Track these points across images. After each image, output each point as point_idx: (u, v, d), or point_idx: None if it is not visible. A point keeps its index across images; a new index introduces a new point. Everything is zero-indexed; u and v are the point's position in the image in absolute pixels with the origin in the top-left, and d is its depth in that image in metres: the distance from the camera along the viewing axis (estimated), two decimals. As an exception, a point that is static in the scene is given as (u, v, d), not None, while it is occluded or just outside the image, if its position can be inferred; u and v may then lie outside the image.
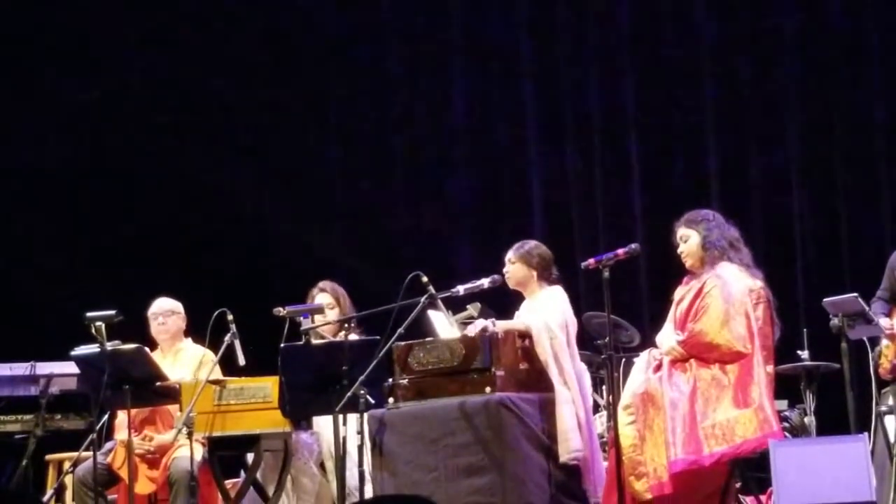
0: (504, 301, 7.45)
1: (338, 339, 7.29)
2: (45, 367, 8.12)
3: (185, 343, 7.69)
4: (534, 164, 10.41)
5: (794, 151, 9.64)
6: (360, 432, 6.61)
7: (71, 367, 7.68)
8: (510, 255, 7.15)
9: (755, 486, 6.76)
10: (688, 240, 6.86)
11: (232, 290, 8.97)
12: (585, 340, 8.03)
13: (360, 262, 10.14)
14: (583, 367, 7.35)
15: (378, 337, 6.65)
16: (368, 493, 6.71)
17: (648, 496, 6.48)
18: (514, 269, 7.11)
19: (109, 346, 6.98)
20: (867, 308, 7.00)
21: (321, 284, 7.79)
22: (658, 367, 6.70)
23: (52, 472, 8.63)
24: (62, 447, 8.43)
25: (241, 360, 7.05)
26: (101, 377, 6.91)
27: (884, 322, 6.96)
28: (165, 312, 7.66)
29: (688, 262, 6.88)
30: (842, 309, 7.07)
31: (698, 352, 6.64)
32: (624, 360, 7.78)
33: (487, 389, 6.69)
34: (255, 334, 7.29)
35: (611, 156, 10.16)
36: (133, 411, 7.14)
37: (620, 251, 6.65)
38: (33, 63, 10.65)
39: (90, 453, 7.26)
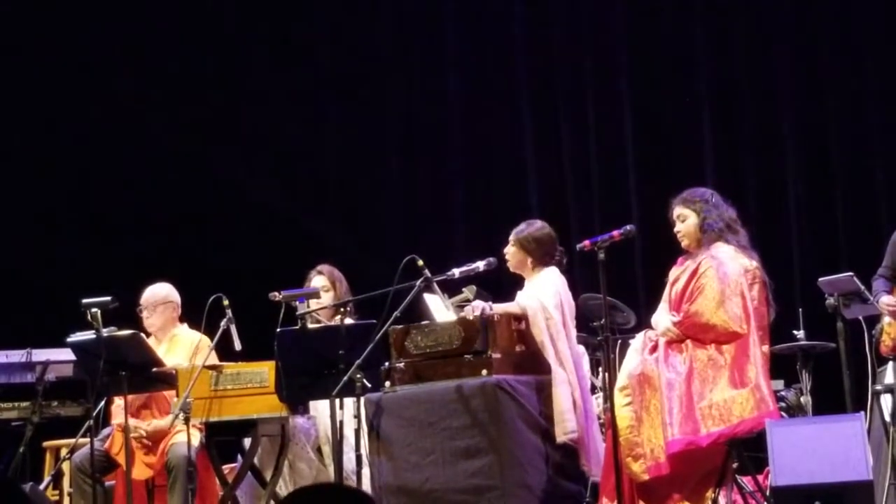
0: (500, 283, 7.44)
1: (334, 323, 7.27)
2: (41, 354, 8.13)
3: (180, 329, 7.67)
4: (529, 147, 10.40)
5: (789, 131, 9.62)
6: (357, 416, 6.62)
7: (67, 354, 7.68)
8: (511, 236, 7.15)
9: (752, 466, 6.77)
10: (685, 220, 6.84)
11: (227, 274, 8.97)
12: (581, 322, 8.02)
13: (356, 246, 10.13)
14: (581, 349, 7.35)
15: (374, 321, 6.65)
16: (366, 476, 6.73)
17: (646, 477, 6.49)
18: (511, 251, 7.11)
19: (105, 332, 6.97)
20: (863, 287, 7.01)
21: (319, 267, 7.79)
22: (654, 349, 6.70)
23: (49, 459, 8.64)
24: (59, 434, 8.44)
25: (238, 345, 7.05)
26: (98, 363, 6.90)
27: (886, 299, 6.96)
28: (151, 306, 7.62)
29: (684, 242, 6.87)
30: (837, 288, 7.08)
31: (694, 333, 6.64)
32: (620, 341, 7.77)
33: (484, 372, 6.69)
34: (252, 319, 7.29)
35: (606, 137, 10.15)
36: (129, 397, 7.14)
37: (615, 232, 6.64)
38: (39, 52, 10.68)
39: (87, 440, 7.26)
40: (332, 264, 7.86)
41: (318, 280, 7.71)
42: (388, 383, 6.89)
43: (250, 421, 7.10)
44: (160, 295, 7.65)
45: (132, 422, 7.20)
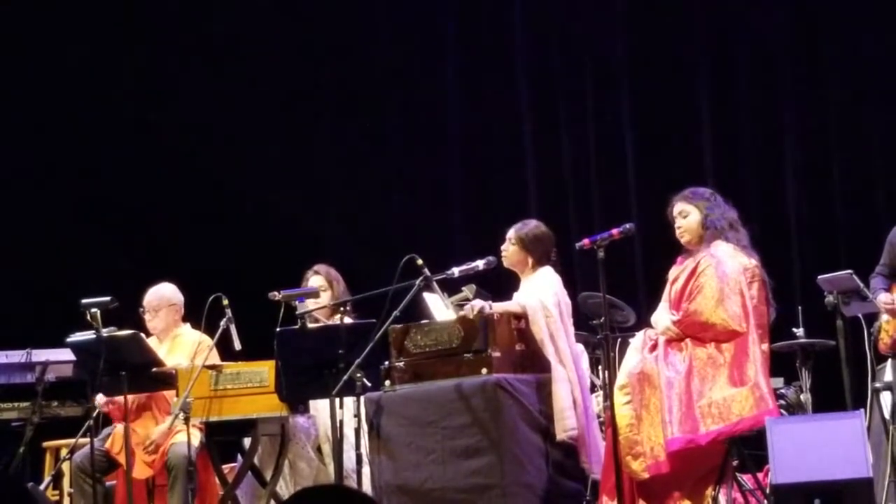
0: (499, 282, 7.44)
1: (333, 322, 7.27)
2: (40, 355, 8.12)
3: (183, 329, 7.67)
4: (528, 144, 10.40)
5: (788, 129, 9.62)
6: (357, 415, 6.62)
7: (67, 354, 7.68)
8: (511, 233, 7.13)
9: (752, 464, 6.78)
10: (687, 216, 6.82)
11: (227, 274, 8.97)
12: (581, 321, 8.03)
13: (356, 245, 10.13)
14: (580, 347, 7.34)
15: (374, 320, 6.65)
16: (366, 475, 6.73)
17: (646, 475, 6.49)
18: (511, 249, 7.11)
19: (105, 332, 6.97)
20: (862, 285, 7.01)
21: (315, 267, 7.79)
22: (654, 347, 6.70)
23: (49, 459, 8.65)
24: (59, 434, 8.44)
25: (237, 345, 7.05)
26: (97, 364, 6.90)
27: (883, 297, 6.96)
28: (153, 308, 7.61)
29: (684, 239, 6.85)
30: (836, 286, 7.08)
31: (693, 331, 6.63)
32: (620, 340, 7.78)
33: (484, 371, 6.69)
34: (251, 319, 7.29)
35: (605, 136, 10.15)
36: (130, 398, 7.14)
37: (615, 231, 6.63)
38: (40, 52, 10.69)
39: (87, 440, 7.26)
40: (330, 264, 7.86)
41: (314, 280, 7.71)
42: (388, 382, 6.89)
43: (250, 420, 7.10)
44: (164, 297, 7.64)
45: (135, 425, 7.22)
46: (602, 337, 6.67)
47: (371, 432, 6.84)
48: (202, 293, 7.11)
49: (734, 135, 9.81)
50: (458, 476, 6.66)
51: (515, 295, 7.05)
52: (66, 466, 7.95)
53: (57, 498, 8.29)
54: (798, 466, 6.15)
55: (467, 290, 6.99)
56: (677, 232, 6.86)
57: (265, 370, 7.01)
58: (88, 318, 6.96)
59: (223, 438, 7.31)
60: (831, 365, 7.54)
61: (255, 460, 7.29)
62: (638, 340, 6.82)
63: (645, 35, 10.09)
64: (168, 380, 7.16)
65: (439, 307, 7.03)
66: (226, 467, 7.41)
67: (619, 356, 7.06)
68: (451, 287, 7.03)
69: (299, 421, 7.35)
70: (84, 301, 7.01)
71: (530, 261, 7.08)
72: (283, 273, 8.05)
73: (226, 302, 7.04)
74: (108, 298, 7.03)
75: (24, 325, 9.30)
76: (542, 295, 6.89)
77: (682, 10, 10.00)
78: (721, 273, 6.63)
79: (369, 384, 6.52)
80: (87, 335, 7.02)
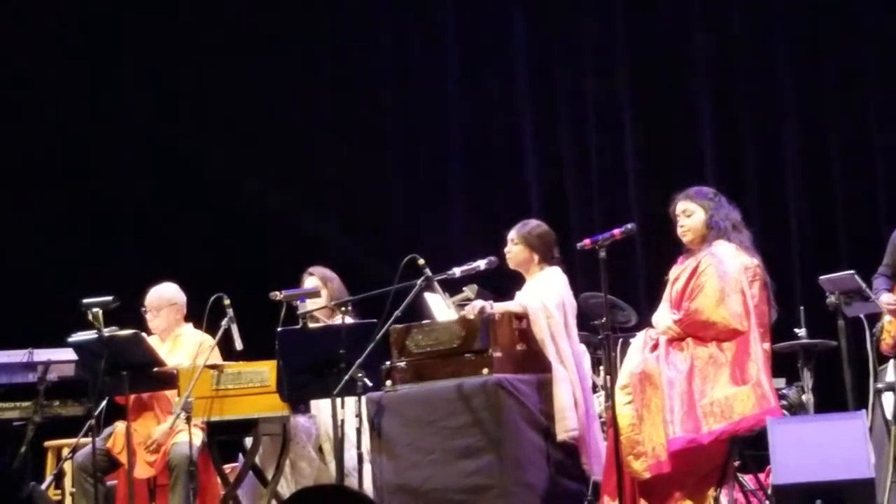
0: (501, 282, 7.44)
1: (335, 322, 7.27)
2: (42, 354, 8.12)
3: (185, 328, 7.68)
4: (529, 144, 10.40)
5: (788, 129, 9.62)
6: (359, 415, 6.62)
7: (68, 354, 7.68)
8: (512, 234, 7.13)
9: (753, 464, 6.78)
10: (692, 215, 6.80)
11: (228, 274, 8.98)
12: (582, 321, 8.01)
13: (357, 246, 10.13)
14: (582, 348, 7.35)
15: (375, 320, 6.65)
16: (367, 474, 6.73)
17: (647, 475, 6.48)
18: (515, 249, 7.10)
19: (106, 331, 6.98)
20: (864, 285, 7.01)
21: (310, 269, 7.81)
22: (655, 347, 6.69)
23: (50, 459, 8.64)
24: (61, 434, 8.43)
25: (239, 345, 7.06)
26: (99, 363, 6.91)
27: (885, 298, 6.96)
28: (155, 307, 7.62)
29: (687, 238, 6.83)
30: (838, 286, 7.08)
31: (695, 330, 6.63)
32: (621, 339, 7.77)
33: (485, 371, 6.69)
34: (253, 319, 7.29)
35: (606, 136, 10.15)
36: (131, 397, 7.14)
37: (616, 231, 6.63)
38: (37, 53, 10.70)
39: (89, 439, 7.27)
40: (326, 264, 7.87)
41: (309, 282, 7.72)
42: (389, 382, 6.89)
43: (251, 420, 7.11)
44: (165, 297, 7.65)
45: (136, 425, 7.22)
46: (603, 337, 6.66)
47: (372, 432, 6.84)
48: (204, 293, 7.12)
49: (734, 135, 9.80)
50: (458, 476, 6.66)
51: (518, 294, 7.05)
52: (67, 466, 7.95)
53: (59, 497, 8.28)
54: (799, 467, 6.15)
55: (469, 290, 6.99)
56: (679, 231, 6.85)
57: (266, 370, 7.01)
58: (90, 317, 6.96)
59: (224, 438, 7.32)
60: (833, 365, 7.54)
61: (257, 460, 7.29)
62: (639, 340, 6.82)
63: (645, 34, 10.09)
64: (169, 379, 7.17)
65: (440, 307, 7.03)
66: (227, 467, 7.42)
67: (621, 356, 7.04)
68: (452, 287, 7.03)
69: (300, 421, 7.36)
70: (85, 301, 7.01)
71: (536, 258, 7.08)
72: (283, 273, 8.06)
73: (227, 302, 7.04)
74: (109, 298, 7.04)
75: (26, 324, 9.30)
76: (544, 296, 6.89)
77: (682, 9, 10.00)
78: (722, 272, 6.63)
79: (370, 384, 6.53)
80: (89, 335, 7.03)
